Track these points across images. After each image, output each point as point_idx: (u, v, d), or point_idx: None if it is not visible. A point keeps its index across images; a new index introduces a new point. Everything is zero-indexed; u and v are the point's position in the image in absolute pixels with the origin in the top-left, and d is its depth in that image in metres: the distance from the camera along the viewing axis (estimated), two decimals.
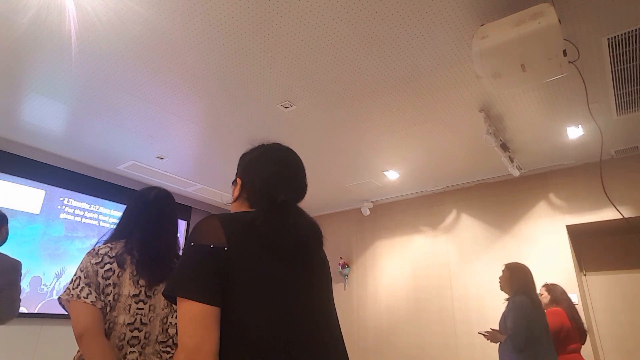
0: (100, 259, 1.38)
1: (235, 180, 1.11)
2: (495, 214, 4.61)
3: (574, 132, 3.56)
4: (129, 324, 1.35)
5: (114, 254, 1.40)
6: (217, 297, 0.82)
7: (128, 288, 1.38)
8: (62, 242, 4.29)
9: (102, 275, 1.35)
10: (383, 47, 2.58)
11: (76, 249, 4.38)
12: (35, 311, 3.94)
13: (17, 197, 4.01)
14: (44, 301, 4.03)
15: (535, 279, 2.79)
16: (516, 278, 2.76)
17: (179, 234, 1.79)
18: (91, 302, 1.30)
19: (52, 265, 4.16)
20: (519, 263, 2.86)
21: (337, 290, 5.55)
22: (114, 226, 1.54)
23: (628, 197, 3.87)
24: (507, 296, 2.79)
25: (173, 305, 1.44)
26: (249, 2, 2.24)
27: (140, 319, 1.37)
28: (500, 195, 4.65)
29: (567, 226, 4.13)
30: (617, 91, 2.94)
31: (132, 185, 4.93)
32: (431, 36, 2.48)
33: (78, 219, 4.47)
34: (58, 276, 4.19)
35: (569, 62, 2.25)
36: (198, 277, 0.83)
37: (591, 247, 4.46)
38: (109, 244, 1.44)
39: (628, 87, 2.89)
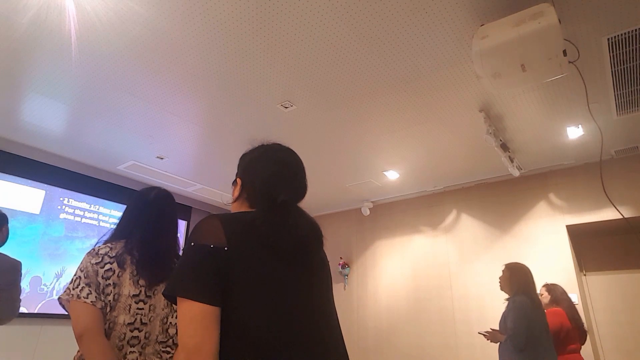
0: (100, 259, 1.38)
1: (235, 180, 1.11)
2: (495, 214, 4.61)
3: (574, 132, 3.56)
4: (129, 324, 1.35)
5: (114, 254, 1.40)
6: (217, 297, 0.82)
7: (128, 288, 1.38)
8: (62, 242, 4.29)
9: (102, 275, 1.35)
10: (383, 47, 2.58)
11: (76, 249, 4.38)
12: (35, 311, 3.94)
13: (17, 197, 4.01)
14: (44, 301, 4.03)
15: (535, 279, 2.79)
16: (516, 278, 2.76)
17: (179, 234, 1.79)
18: (91, 302, 1.30)
19: (52, 265, 4.16)
20: (519, 263, 2.86)
21: (337, 290, 5.55)
22: (114, 226, 1.54)
23: (628, 197, 3.87)
24: (507, 296, 2.79)
25: (173, 305, 1.44)
26: (249, 2, 2.24)
27: (140, 319, 1.37)
28: (500, 195, 4.65)
29: (567, 226, 4.13)
30: (617, 91, 2.94)
31: (132, 185, 4.93)
32: (431, 36, 2.48)
33: (78, 219, 4.47)
34: (58, 276, 4.19)
35: (569, 62, 2.25)
36: (198, 277, 0.83)
37: (591, 247, 4.47)
38: (109, 244, 1.44)
39: (628, 87, 2.89)
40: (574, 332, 2.97)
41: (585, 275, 4.39)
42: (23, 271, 2.35)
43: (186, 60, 2.73)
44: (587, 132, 3.57)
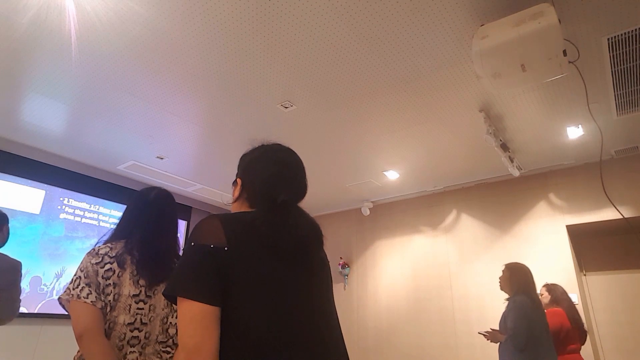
0: (100, 259, 1.38)
1: (235, 180, 1.11)
2: (495, 214, 4.61)
3: (574, 132, 3.56)
4: (129, 323, 1.35)
5: (114, 254, 1.40)
6: (217, 297, 0.82)
7: (128, 288, 1.38)
8: (62, 242, 4.29)
9: (102, 275, 1.35)
10: (383, 47, 2.58)
11: (76, 249, 4.38)
12: (35, 311, 3.94)
13: (17, 197, 4.01)
14: (44, 301, 4.03)
15: (535, 279, 2.79)
16: (516, 278, 2.76)
17: (179, 234, 1.79)
18: (91, 302, 1.30)
19: (52, 265, 4.16)
20: (519, 263, 2.86)
21: (337, 290, 5.55)
22: (114, 226, 1.54)
23: (628, 197, 3.87)
24: (507, 296, 2.79)
25: (173, 305, 1.44)
26: (249, 2, 2.24)
27: (141, 319, 1.37)
28: (500, 195, 4.65)
29: (567, 226, 4.13)
30: (617, 91, 2.94)
31: (132, 185, 4.93)
32: (431, 36, 2.48)
33: (78, 219, 4.47)
34: (58, 276, 4.19)
35: (569, 62, 2.25)
36: (198, 277, 0.83)
37: (591, 247, 4.47)
38: (109, 244, 1.44)
39: (628, 87, 2.89)
40: (574, 332, 2.97)
41: (585, 275, 4.39)
42: (23, 271, 2.36)
43: (186, 60, 2.73)
44: (587, 132, 3.57)
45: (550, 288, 3.20)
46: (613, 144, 3.80)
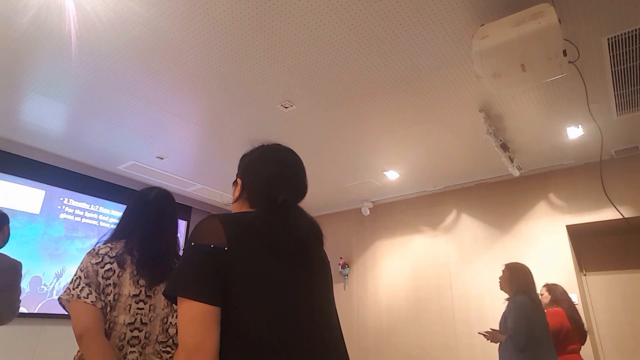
0: (100, 259, 1.38)
1: (235, 180, 1.12)
2: (495, 214, 4.61)
3: (574, 132, 3.56)
4: (129, 323, 1.35)
5: (114, 254, 1.40)
6: (218, 297, 0.83)
7: (128, 288, 1.38)
8: (62, 242, 4.29)
9: (102, 275, 1.35)
10: (383, 47, 2.58)
11: (76, 249, 4.38)
12: (35, 311, 3.94)
13: (17, 197, 4.01)
14: (44, 301, 4.03)
15: (535, 279, 2.79)
16: (516, 278, 2.76)
17: (179, 234, 1.79)
18: (91, 302, 1.30)
19: (52, 265, 4.16)
20: (519, 263, 2.86)
21: (337, 290, 5.55)
22: (114, 226, 1.54)
23: (628, 197, 3.87)
24: (507, 296, 2.79)
25: (173, 305, 1.44)
26: (249, 2, 2.24)
27: (141, 319, 1.37)
28: (500, 195, 4.65)
29: (567, 226, 4.13)
30: (617, 91, 2.94)
31: (132, 185, 4.93)
32: (431, 36, 2.48)
33: (78, 219, 4.47)
34: (58, 276, 4.19)
35: (569, 62, 2.25)
36: (198, 277, 0.83)
37: (591, 247, 4.47)
38: (109, 244, 1.44)
39: (628, 87, 2.89)
40: (574, 332, 2.97)
41: (585, 275, 4.39)
42: (23, 271, 2.35)
43: (186, 60, 2.73)
44: (587, 132, 3.57)
45: (551, 288, 3.20)
46: (613, 144, 3.80)
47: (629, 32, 2.40)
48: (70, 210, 4.41)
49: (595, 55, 2.63)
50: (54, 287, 4.13)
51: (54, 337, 3.98)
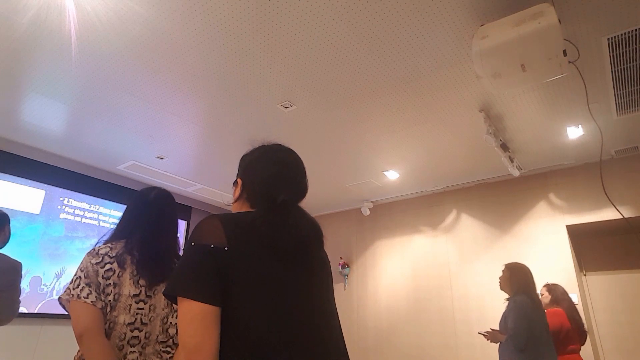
0: (100, 259, 1.38)
1: (236, 181, 1.12)
2: (495, 214, 4.61)
3: (574, 132, 3.56)
4: (129, 323, 1.35)
5: (114, 254, 1.41)
6: (218, 297, 0.83)
7: (128, 288, 1.38)
8: (62, 242, 4.29)
9: (102, 275, 1.35)
10: (383, 47, 2.58)
11: (76, 249, 4.38)
12: (35, 311, 3.94)
13: (17, 197, 4.01)
14: (44, 301, 4.03)
15: (535, 279, 2.79)
16: (516, 278, 2.76)
17: (179, 234, 1.79)
18: (91, 302, 1.30)
19: (52, 265, 4.16)
20: (519, 263, 2.86)
21: (337, 290, 5.55)
22: (114, 226, 1.54)
23: (628, 197, 3.87)
24: (507, 296, 2.79)
25: (173, 305, 1.45)
26: (249, 2, 2.24)
27: (141, 319, 1.37)
28: (500, 195, 4.65)
29: (567, 226, 4.13)
30: (617, 91, 2.94)
31: (132, 185, 4.93)
32: (431, 36, 2.48)
33: (78, 219, 4.47)
34: (58, 276, 4.19)
35: (569, 62, 2.25)
36: (198, 276, 0.83)
37: (591, 247, 4.47)
38: (109, 244, 1.44)
39: (628, 87, 2.89)
40: (574, 332, 2.97)
41: (585, 275, 4.39)
42: (23, 271, 2.35)
43: (186, 60, 2.73)
44: (587, 132, 3.57)
45: (551, 288, 3.20)
46: (613, 144, 3.81)
47: (629, 32, 2.40)
48: (70, 210, 4.41)
49: (595, 55, 2.63)
50: (54, 287, 4.13)
51: (54, 337, 3.98)
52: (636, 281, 4.11)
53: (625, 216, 3.72)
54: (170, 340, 1.42)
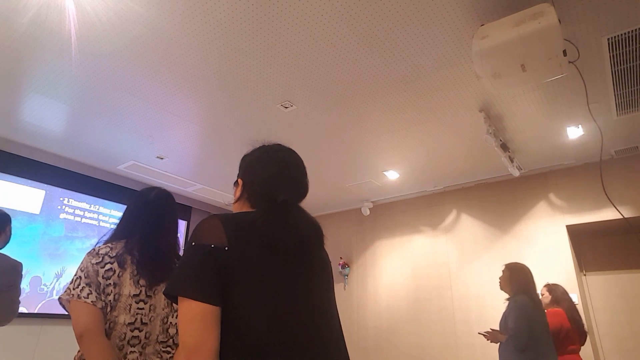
0: (100, 259, 1.38)
1: (236, 181, 1.12)
2: (495, 214, 4.61)
3: (574, 132, 3.56)
4: (129, 323, 1.35)
5: (114, 254, 1.41)
6: (218, 297, 0.83)
7: (128, 288, 1.38)
8: (62, 242, 4.29)
9: (102, 275, 1.35)
10: (383, 47, 2.58)
11: (76, 249, 4.38)
12: (35, 311, 3.94)
13: (17, 197, 4.01)
14: (44, 301, 4.03)
15: (535, 279, 2.79)
16: (516, 278, 2.76)
17: (179, 234, 1.79)
18: (91, 302, 1.30)
19: (52, 265, 4.16)
20: (519, 263, 2.86)
21: (337, 290, 5.55)
22: (114, 226, 1.54)
23: (628, 197, 3.87)
24: (507, 296, 2.79)
25: (173, 305, 1.45)
26: (249, 2, 2.24)
27: (141, 319, 1.37)
28: (500, 195, 4.65)
29: (567, 226, 4.13)
30: (617, 91, 2.94)
31: (132, 185, 4.93)
32: (431, 36, 2.48)
33: (78, 219, 4.47)
34: (58, 276, 4.19)
35: (569, 62, 2.25)
36: (199, 276, 0.84)
37: (591, 247, 4.47)
38: (109, 244, 1.44)
39: (628, 87, 2.89)
40: (574, 332, 2.97)
41: (585, 275, 4.39)
42: (23, 271, 2.35)
43: (186, 60, 2.73)
44: (587, 132, 3.57)
45: (551, 288, 3.19)
46: (613, 144, 3.81)
47: (629, 32, 2.40)
48: (70, 210, 4.41)
49: (595, 55, 2.63)
50: (54, 287, 4.13)
51: (54, 337, 3.98)
52: (636, 281, 4.11)
53: (625, 216, 3.72)
54: (171, 340, 1.42)
